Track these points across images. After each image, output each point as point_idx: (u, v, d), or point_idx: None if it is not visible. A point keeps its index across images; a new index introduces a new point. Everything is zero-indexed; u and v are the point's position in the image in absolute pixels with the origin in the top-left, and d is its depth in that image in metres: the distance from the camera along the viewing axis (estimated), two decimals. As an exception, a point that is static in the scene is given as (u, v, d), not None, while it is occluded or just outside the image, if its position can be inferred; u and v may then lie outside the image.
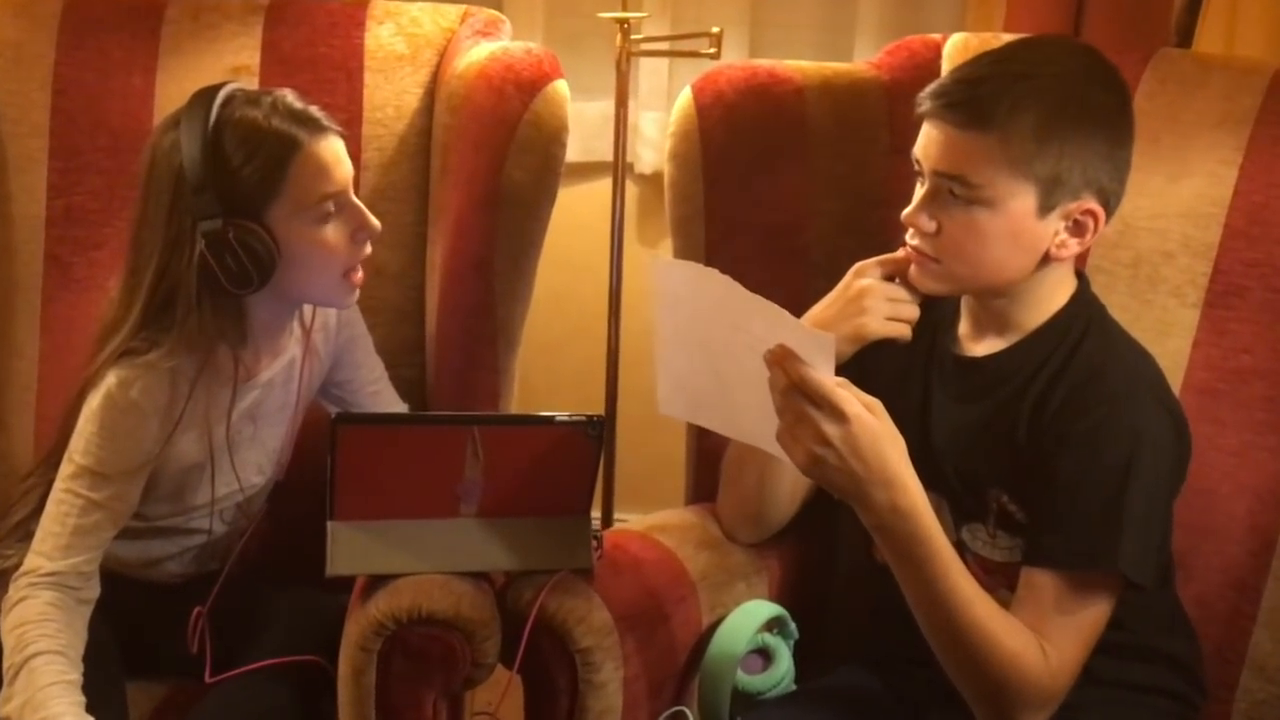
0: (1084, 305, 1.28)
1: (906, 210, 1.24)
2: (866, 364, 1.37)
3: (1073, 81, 1.20)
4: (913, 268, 1.27)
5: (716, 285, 1.10)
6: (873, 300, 1.29)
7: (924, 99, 1.22)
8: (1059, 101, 1.18)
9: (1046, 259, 1.23)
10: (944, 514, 1.30)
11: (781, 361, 1.07)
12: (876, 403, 1.10)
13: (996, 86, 1.18)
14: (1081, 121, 1.19)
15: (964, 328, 1.33)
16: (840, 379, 1.08)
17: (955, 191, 1.20)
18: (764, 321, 1.08)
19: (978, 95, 1.18)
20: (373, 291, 1.62)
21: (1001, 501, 1.26)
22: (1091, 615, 1.18)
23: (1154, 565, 1.20)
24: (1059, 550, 1.18)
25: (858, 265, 1.32)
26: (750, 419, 1.16)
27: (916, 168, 1.24)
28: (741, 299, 1.08)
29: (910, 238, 1.25)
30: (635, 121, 2.10)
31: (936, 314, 1.35)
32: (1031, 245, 1.22)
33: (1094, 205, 1.21)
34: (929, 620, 1.16)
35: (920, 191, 1.24)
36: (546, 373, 2.20)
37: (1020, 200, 1.19)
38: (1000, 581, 1.26)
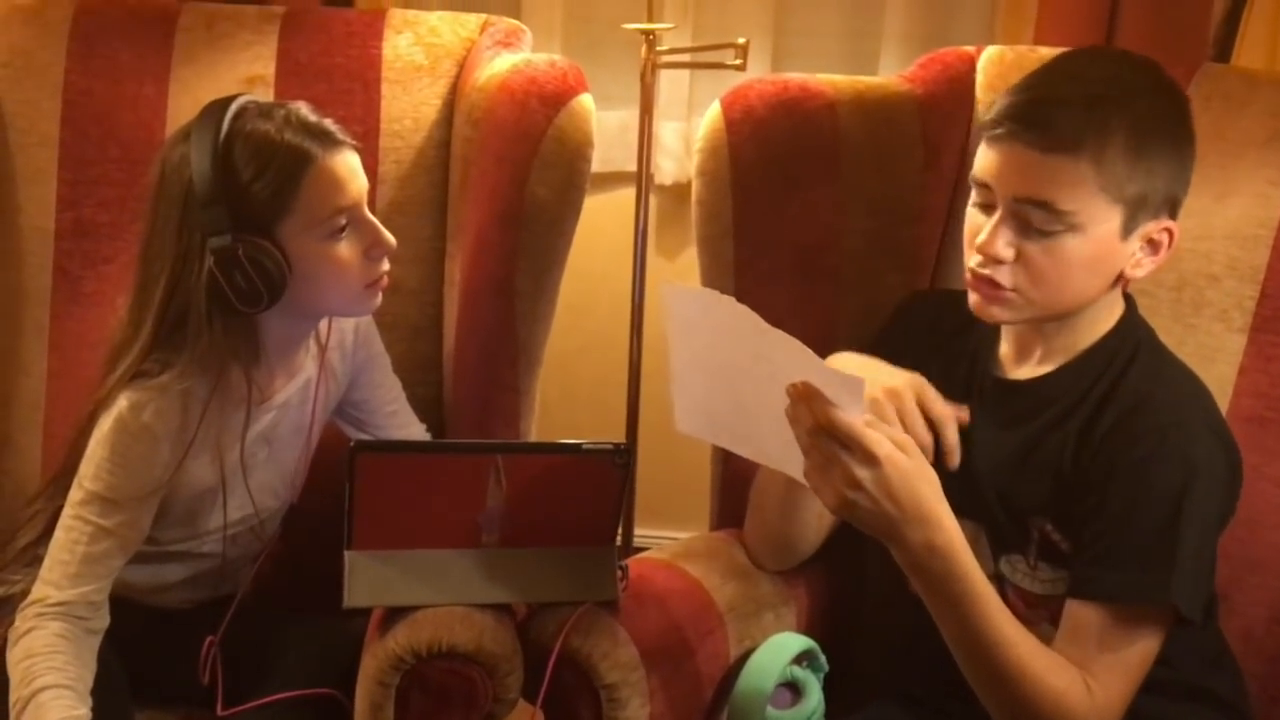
0: (1132, 328, 1.24)
1: (981, 238, 1.18)
2: None
3: (1149, 98, 1.17)
4: (973, 297, 1.21)
5: (733, 313, 1.07)
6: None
7: (997, 121, 1.16)
8: (1141, 118, 1.15)
9: (1119, 280, 1.20)
10: (982, 544, 1.27)
11: (807, 400, 1.04)
12: (908, 440, 1.07)
13: (1079, 108, 1.14)
14: (1165, 138, 1.16)
15: (1006, 349, 1.29)
16: (869, 417, 1.05)
17: (1036, 220, 1.15)
18: (787, 357, 1.05)
19: (1061, 117, 1.13)
20: (389, 308, 1.57)
21: (1045, 531, 1.22)
22: (1139, 651, 1.14)
23: (1204, 599, 1.16)
24: (1108, 582, 1.14)
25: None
26: (774, 444, 1.13)
27: (979, 194, 1.19)
28: (762, 331, 1.05)
29: (980, 267, 1.19)
30: (656, 131, 2.06)
31: (976, 335, 1.31)
32: (1111, 268, 1.19)
33: (1170, 223, 1.18)
34: (968, 659, 1.12)
35: (992, 219, 1.17)
36: (563, 384, 2.17)
37: (1108, 224, 1.15)
38: (1041, 615, 1.22)
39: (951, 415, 1.21)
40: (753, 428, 1.15)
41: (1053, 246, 1.16)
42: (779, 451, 1.11)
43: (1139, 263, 1.19)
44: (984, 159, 1.18)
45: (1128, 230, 1.16)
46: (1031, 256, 1.17)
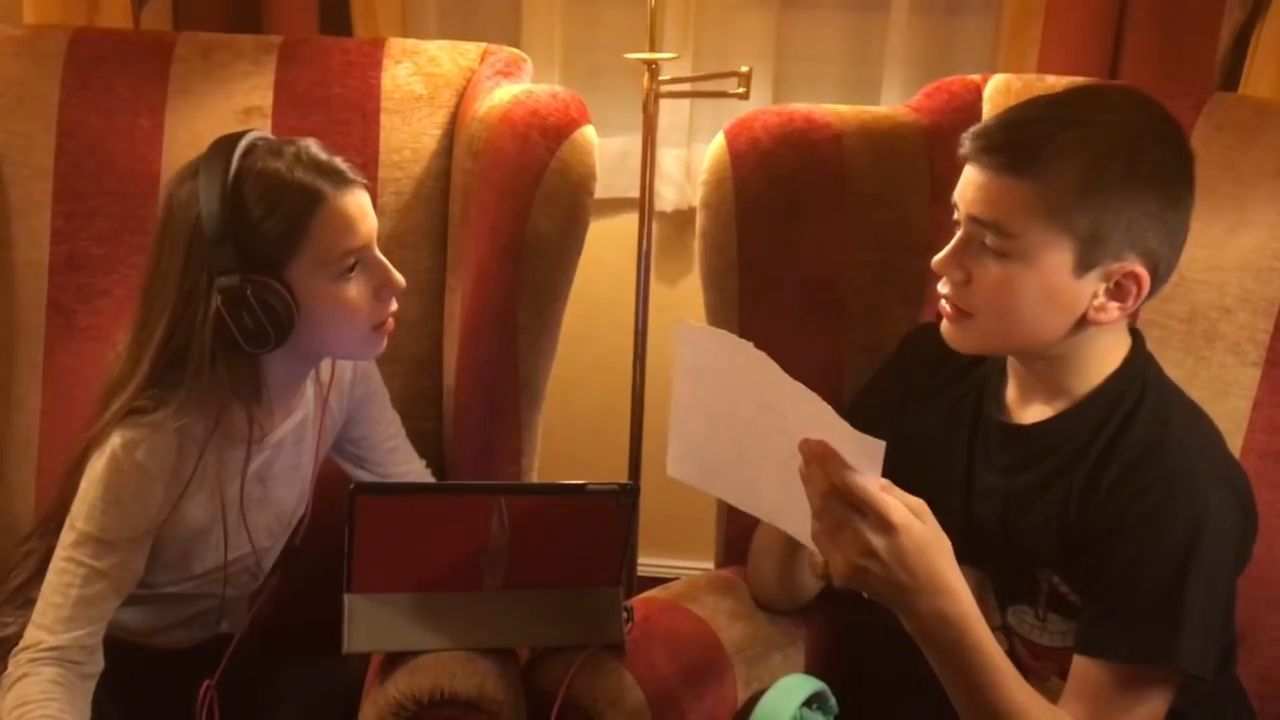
0: (1138, 369, 1.20)
1: (937, 256, 1.17)
2: (906, 428, 1.32)
3: (1126, 133, 1.12)
4: (944, 324, 1.20)
5: (749, 359, 1.03)
6: None
7: (965, 139, 1.15)
8: (1106, 153, 1.11)
9: (1085, 322, 1.15)
10: (987, 593, 1.24)
11: (822, 461, 1.00)
12: (922, 505, 1.03)
13: (1041, 131, 1.12)
14: (1130, 177, 1.11)
15: (1010, 393, 1.26)
16: (884, 480, 1.01)
17: (989, 242, 1.13)
18: (802, 410, 1.01)
19: (1021, 139, 1.12)
20: (389, 341, 1.56)
21: (1053, 583, 1.19)
22: (1148, 711, 1.11)
23: (1215, 654, 1.12)
24: (1113, 641, 1.11)
25: None
26: (771, 498, 1.10)
27: (955, 213, 1.17)
28: (778, 381, 1.01)
29: (941, 286, 1.18)
30: (656, 158, 2.05)
31: (980, 376, 1.29)
32: (1067, 306, 1.14)
33: (1137, 268, 1.13)
34: None
35: (954, 238, 1.16)
36: (563, 411, 2.14)
37: (1057, 256, 1.11)
38: (1051, 668, 1.19)
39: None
40: (752, 480, 1.11)
41: (1000, 272, 1.13)
42: (780, 508, 1.08)
43: (1103, 307, 1.14)
44: (961, 178, 1.17)
45: (1082, 267, 1.12)
46: (981, 281, 1.14)
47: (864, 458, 0.99)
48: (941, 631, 1.04)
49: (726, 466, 1.13)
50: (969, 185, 1.15)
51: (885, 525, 0.99)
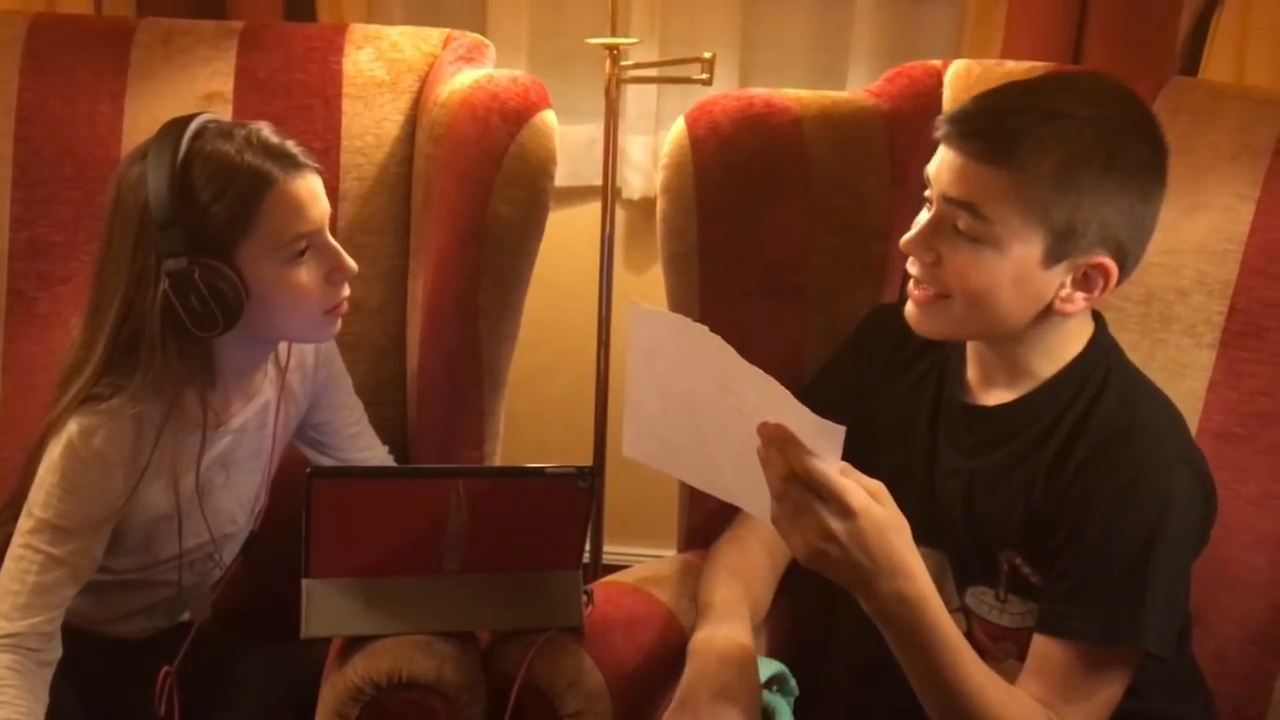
0: (1102, 351, 1.21)
1: (906, 236, 1.17)
2: (866, 410, 1.32)
3: (1105, 128, 1.11)
4: (909, 306, 1.20)
5: (704, 342, 1.03)
6: None
7: (944, 122, 1.15)
8: (1087, 148, 1.10)
9: (1050, 311, 1.15)
10: (946, 575, 1.25)
11: (781, 446, 0.99)
12: (880, 488, 1.03)
13: (1023, 121, 1.11)
14: (1108, 173, 1.11)
15: (972, 374, 1.26)
16: (843, 464, 1.01)
17: (961, 224, 1.12)
18: (759, 393, 1.01)
19: (1001, 127, 1.11)
20: (351, 327, 1.55)
21: (1015, 563, 1.19)
22: (1108, 691, 1.12)
23: (1175, 635, 1.13)
24: (1077, 621, 1.12)
25: None
26: (729, 478, 1.10)
27: (926, 191, 1.17)
28: (734, 365, 1.01)
29: (910, 265, 1.18)
30: (622, 145, 2.05)
31: (940, 357, 1.29)
32: (1034, 295, 1.14)
33: (1106, 260, 1.13)
34: (936, 706, 1.09)
35: (924, 216, 1.16)
36: (531, 400, 2.15)
37: (1027, 246, 1.12)
38: (1009, 649, 1.20)
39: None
40: (711, 460, 1.11)
41: (971, 255, 1.13)
42: (738, 487, 1.08)
43: (1069, 297, 1.14)
44: (934, 157, 1.16)
45: (1051, 259, 1.12)
46: (950, 262, 1.14)
47: (823, 442, 0.99)
48: (900, 612, 1.04)
49: (684, 447, 1.13)
50: (945, 167, 1.14)
51: (844, 510, 0.99)
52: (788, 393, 1.00)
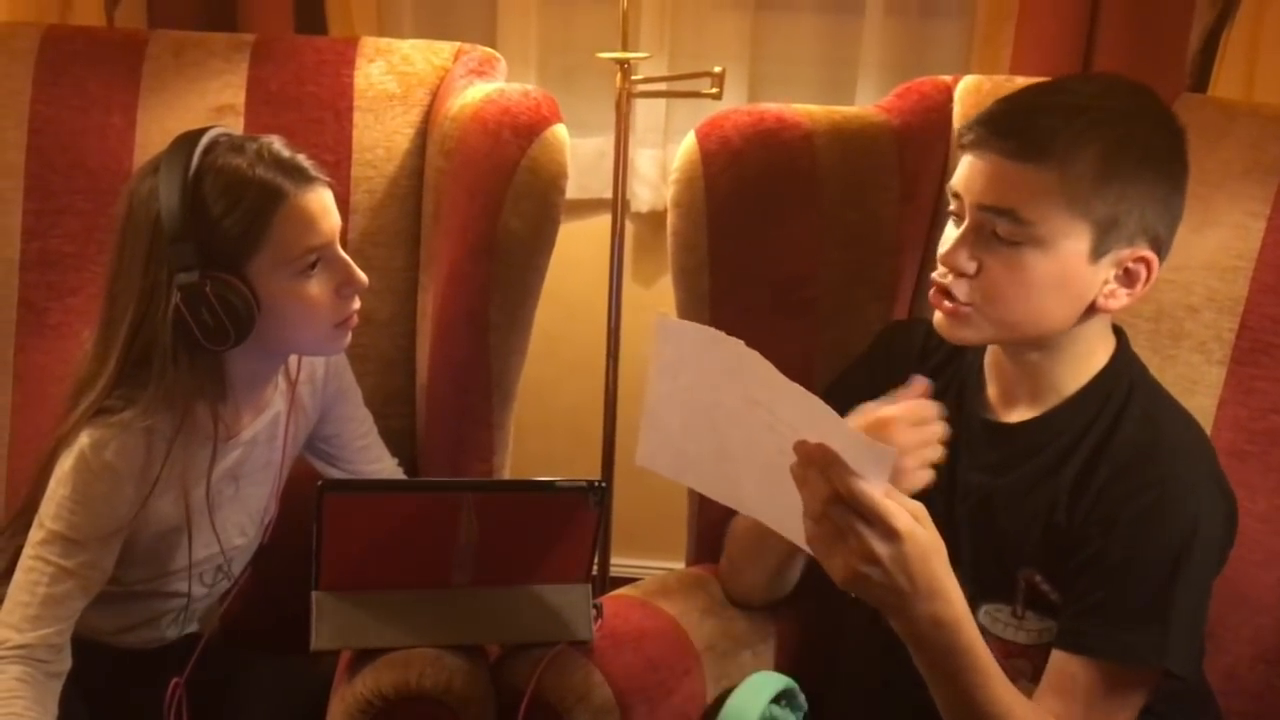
0: (1124, 366, 1.20)
1: (943, 249, 1.15)
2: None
3: (1135, 119, 1.13)
4: (938, 315, 1.18)
5: (736, 355, 1.02)
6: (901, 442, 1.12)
7: (971, 128, 1.14)
8: (1122, 139, 1.11)
9: (1092, 309, 1.15)
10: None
11: (824, 467, 0.97)
12: (922, 510, 1.01)
13: (1056, 118, 1.11)
14: (1144, 162, 1.12)
15: (993, 391, 1.25)
16: (887, 485, 0.99)
17: (1001, 230, 1.12)
18: (799, 410, 0.99)
19: (1035, 125, 1.11)
20: (361, 339, 1.56)
21: (1034, 581, 1.19)
22: (1128, 708, 1.12)
23: (1199, 656, 1.14)
24: (1101, 640, 1.11)
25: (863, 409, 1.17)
26: (753, 493, 1.09)
27: (953, 205, 1.16)
28: (770, 379, 0.99)
29: (941, 277, 1.16)
30: (632, 158, 2.05)
31: (960, 375, 1.28)
32: (1079, 293, 1.14)
33: (1148, 253, 1.13)
34: None
35: (958, 229, 1.15)
36: (540, 411, 2.15)
37: (1074, 242, 1.11)
38: (1023, 667, 1.19)
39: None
40: (732, 474, 1.10)
41: (1015, 259, 1.12)
42: (763, 503, 1.07)
43: (1113, 293, 1.14)
44: (959, 169, 1.16)
45: (1097, 253, 1.12)
46: (992, 269, 1.13)
47: (871, 463, 0.97)
48: (935, 635, 1.03)
49: (704, 459, 1.12)
50: (977, 174, 1.13)
51: (890, 533, 0.98)
52: (832, 411, 0.98)
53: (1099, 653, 1.11)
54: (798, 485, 1.00)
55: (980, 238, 1.14)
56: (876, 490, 0.98)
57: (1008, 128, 1.12)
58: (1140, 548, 1.10)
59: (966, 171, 1.15)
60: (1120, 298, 1.15)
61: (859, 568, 0.99)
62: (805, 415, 0.99)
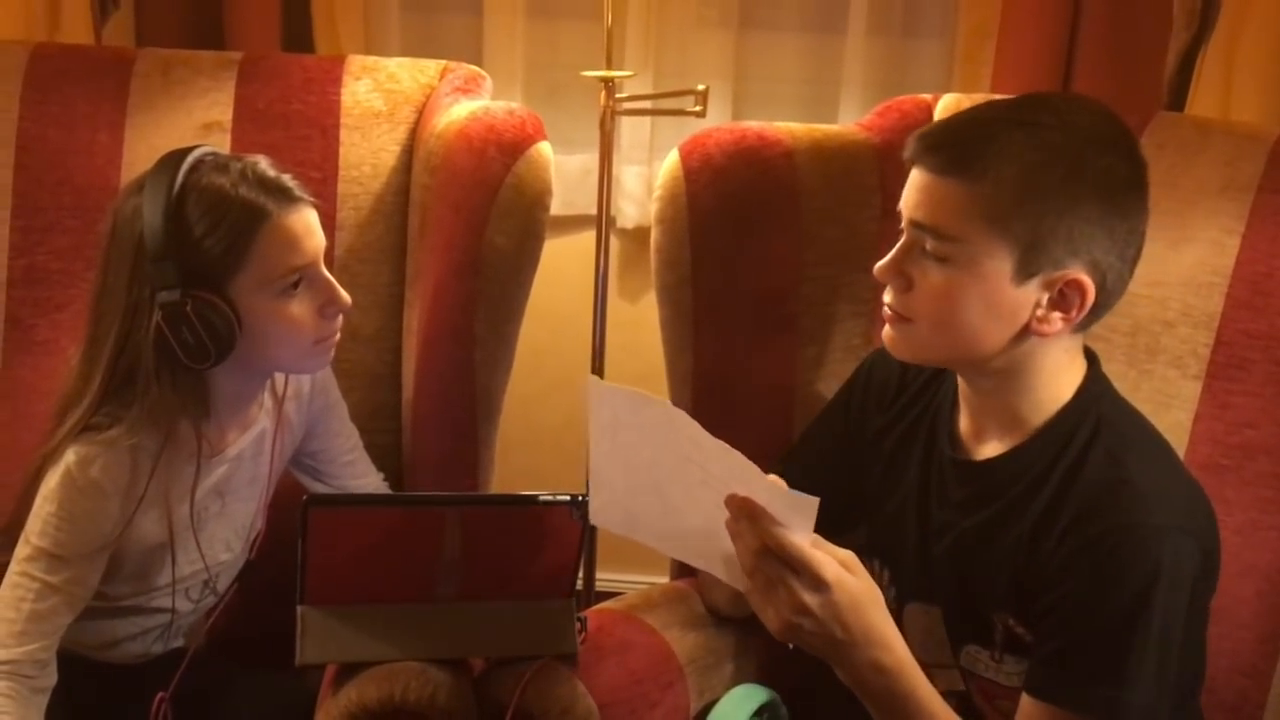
0: (1093, 400, 1.16)
1: (879, 263, 1.15)
2: (863, 458, 1.32)
3: (1071, 138, 1.08)
4: (886, 329, 1.17)
5: (665, 416, 1.02)
6: None
7: (910, 142, 1.13)
8: (1047, 157, 1.07)
9: (1027, 332, 1.11)
10: (940, 631, 1.23)
11: (752, 519, 0.98)
12: (852, 558, 1.02)
13: (985, 131, 1.09)
14: (1070, 182, 1.07)
15: (964, 425, 1.23)
16: (814, 536, 0.99)
17: (929, 246, 1.10)
18: (725, 467, 1.00)
19: (961, 139, 1.09)
20: (347, 355, 1.57)
21: (1008, 624, 1.16)
22: None
23: (1167, 703, 1.09)
24: (1057, 688, 1.09)
25: None
26: (698, 546, 1.10)
27: (901, 221, 1.16)
28: (698, 440, 1.00)
29: (885, 295, 1.16)
30: (617, 175, 2.07)
31: (933, 406, 1.27)
32: (1009, 315, 1.10)
33: (1081, 277, 1.08)
34: None
35: (897, 245, 1.15)
36: (525, 427, 2.16)
37: (996, 262, 1.08)
38: (1008, 710, 1.16)
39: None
40: (677, 529, 1.11)
41: (941, 277, 1.10)
42: (710, 557, 1.08)
43: (1046, 317, 1.10)
44: (906, 183, 1.15)
45: (1022, 274, 1.08)
46: (922, 287, 1.12)
47: (795, 514, 0.98)
48: (877, 681, 1.04)
49: (650, 516, 1.12)
50: (911, 189, 1.12)
51: (818, 582, 0.99)
52: (754, 466, 0.99)
53: (1057, 700, 1.08)
54: (732, 539, 1.01)
55: (911, 254, 1.12)
56: (803, 540, 0.98)
57: (938, 142, 1.10)
58: (1098, 596, 1.07)
59: (906, 186, 1.14)
60: (1055, 322, 1.10)
61: (790, 618, 0.99)
62: (731, 470, 1.00)
